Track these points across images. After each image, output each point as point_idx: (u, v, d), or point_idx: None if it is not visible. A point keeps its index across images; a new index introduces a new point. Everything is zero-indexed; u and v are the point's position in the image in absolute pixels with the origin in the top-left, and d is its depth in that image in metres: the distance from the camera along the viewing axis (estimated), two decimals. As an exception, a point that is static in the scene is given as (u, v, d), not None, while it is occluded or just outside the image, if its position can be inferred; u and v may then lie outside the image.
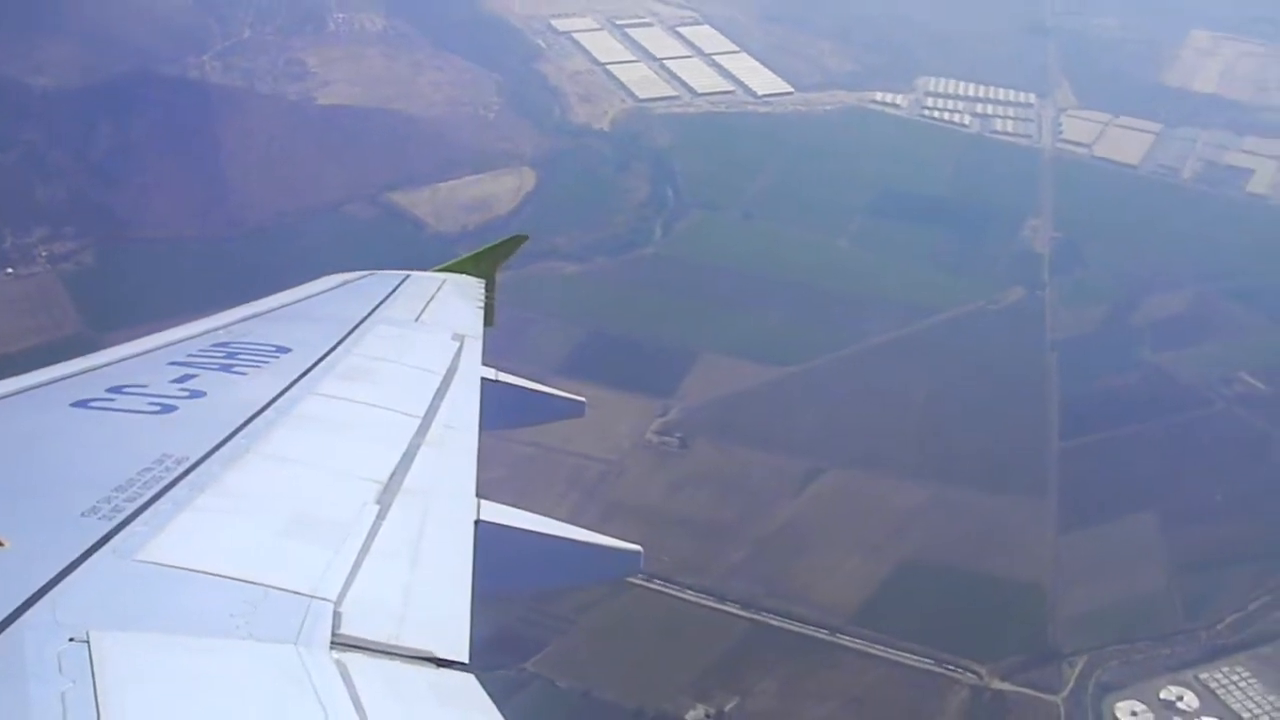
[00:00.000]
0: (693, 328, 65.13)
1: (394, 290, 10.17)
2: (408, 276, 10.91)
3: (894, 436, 58.17)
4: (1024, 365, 64.94)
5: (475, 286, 11.16)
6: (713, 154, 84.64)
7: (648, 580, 48.44)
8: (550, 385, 9.52)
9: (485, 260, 11.91)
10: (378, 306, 9.35)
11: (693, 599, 48.56)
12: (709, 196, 79.15)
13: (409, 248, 66.53)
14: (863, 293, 70.36)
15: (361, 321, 8.64)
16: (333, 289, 10.14)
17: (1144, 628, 49.07)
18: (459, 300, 10.45)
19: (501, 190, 77.06)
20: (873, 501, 54.20)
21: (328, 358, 7.38)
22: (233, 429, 5.60)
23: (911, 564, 50.93)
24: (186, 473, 4.93)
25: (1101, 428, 60.37)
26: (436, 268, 11.63)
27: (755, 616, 48.11)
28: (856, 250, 75.19)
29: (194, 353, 7.03)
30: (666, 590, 48.56)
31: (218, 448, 5.30)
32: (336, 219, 72.32)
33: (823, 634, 47.61)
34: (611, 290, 68.68)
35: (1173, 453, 59.00)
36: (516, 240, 12.79)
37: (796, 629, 47.65)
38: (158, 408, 5.75)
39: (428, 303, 9.95)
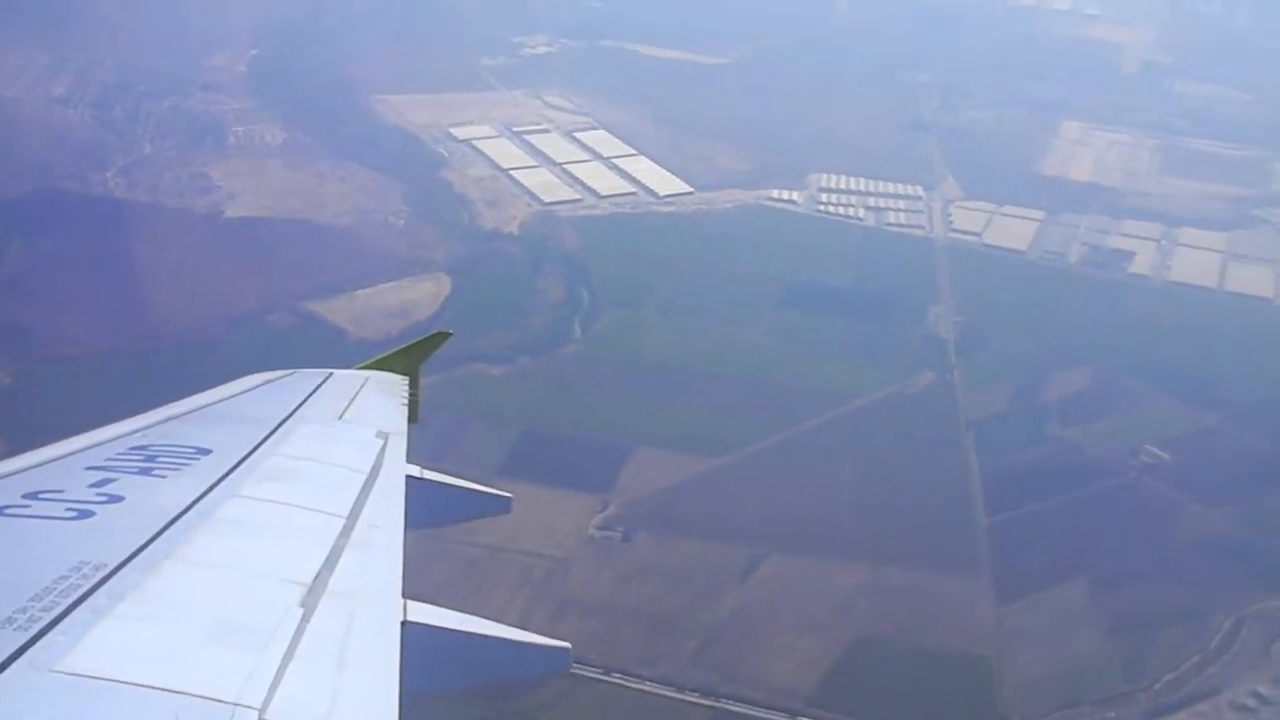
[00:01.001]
0: (623, 423, 66.57)
1: (316, 389, 10.12)
2: (330, 375, 10.89)
3: (829, 520, 60.16)
4: (943, 445, 67.70)
5: (399, 383, 11.19)
6: (622, 254, 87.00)
7: (606, 674, 49.26)
8: (487, 485, 9.81)
9: (408, 357, 11.94)
10: (300, 405, 9.32)
11: (652, 690, 49.36)
12: (624, 295, 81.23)
13: (332, 355, 66.45)
14: (782, 383, 72.67)
15: (284, 421, 8.63)
16: (254, 388, 10.05)
17: (1087, 691, 51.31)
18: (382, 397, 10.45)
19: (419, 296, 78.12)
20: (816, 584, 55.86)
21: (249, 459, 7.35)
22: (152, 534, 5.55)
23: (861, 643, 52.58)
24: (105, 580, 4.84)
25: (1024, 502, 63.17)
26: (359, 365, 11.80)
27: (715, 704, 49.07)
28: (771, 342, 77.72)
29: (112, 456, 6.92)
30: (626, 683, 49.31)
31: (137, 553, 5.24)
32: (256, 330, 72.50)
33: (782, 717, 48.75)
34: (539, 390, 69.90)
35: (1093, 522, 62.00)
36: (439, 337, 12.66)
37: (757, 714, 48.72)
38: (75, 514, 5.68)
39: (351, 400, 9.92)
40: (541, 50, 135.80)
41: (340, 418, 9.36)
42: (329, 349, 69.55)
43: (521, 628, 6.28)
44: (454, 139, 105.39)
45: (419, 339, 12.44)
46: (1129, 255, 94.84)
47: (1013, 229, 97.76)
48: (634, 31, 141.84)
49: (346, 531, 6.32)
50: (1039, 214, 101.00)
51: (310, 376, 10.68)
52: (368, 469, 7.81)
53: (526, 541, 56.07)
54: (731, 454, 65.08)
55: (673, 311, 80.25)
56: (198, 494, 6.33)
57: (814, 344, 77.86)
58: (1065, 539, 60.61)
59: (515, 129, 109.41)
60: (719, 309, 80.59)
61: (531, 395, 69.39)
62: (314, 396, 9.81)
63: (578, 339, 75.99)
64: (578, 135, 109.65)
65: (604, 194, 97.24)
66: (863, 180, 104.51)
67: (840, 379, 73.50)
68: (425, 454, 9.01)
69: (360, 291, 77.84)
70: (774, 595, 55.18)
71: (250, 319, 73.72)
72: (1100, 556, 59.69)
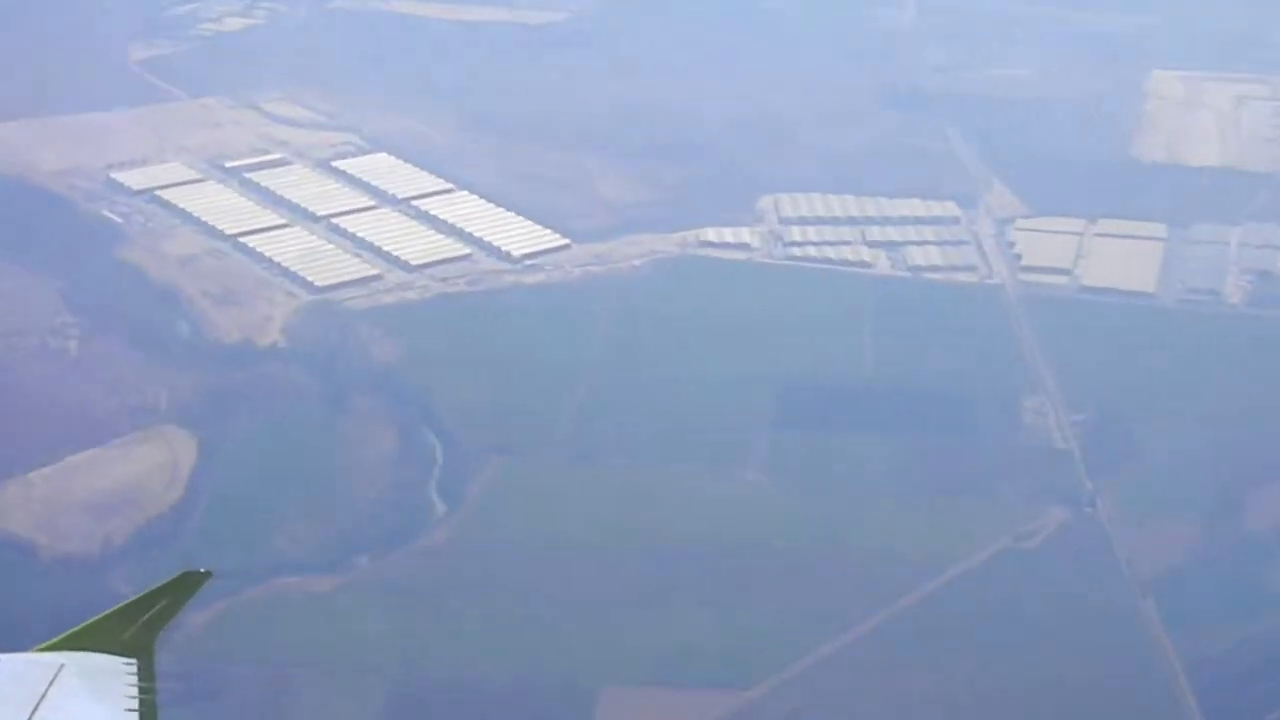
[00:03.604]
0: (568, 651, 69.24)
1: None
2: None
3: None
4: (1112, 626, 72.15)
5: (118, 673, 11.27)
6: (476, 362, 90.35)
7: None
8: None
9: (131, 622, 11.88)
10: None
11: None
12: (502, 434, 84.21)
13: (16, 594, 68.65)
14: (815, 551, 76.38)
15: None
16: None
17: None
18: (90, 701, 10.56)
19: (146, 469, 79.79)
20: None
21: None
22: None
23: None
24: None
25: (1264, 707, 67.89)
26: (44, 645, 11.84)
27: None
28: (777, 484, 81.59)
29: None
30: None
31: None
32: None
33: None
34: (401, 610, 71.99)
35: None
36: (187, 582, 12.58)
37: None
38: None
39: (33, 711, 10.06)
40: (233, 24, 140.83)
41: None
42: (7, 585, 70.64)
43: None
44: (124, 190, 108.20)
45: (148, 591, 12.43)
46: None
47: (1124, 258, 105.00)
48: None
49: None
50: (1158, 229, 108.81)
51: None
52: None
53: None
54: (771, 679, 68.24)
55: (596, 453, 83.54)
56: None
57: (850, 483, 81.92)
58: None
59: (229, 164, 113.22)
60: (674, 441, 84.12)
61: (389, 622, 71.41)
62: None
63: (442, 517, 78.62)
64: (341, 166, 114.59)
65: (417, 263, 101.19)
66: (853, 200, 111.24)
67: (909, 539, 77.48)
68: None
69: (36, 473, 79.09)
70: None
71: None
72: None
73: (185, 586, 12.19)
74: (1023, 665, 69.54)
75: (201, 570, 12.55)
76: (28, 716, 9.51)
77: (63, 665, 10.68)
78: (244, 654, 65.66)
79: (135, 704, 10.25)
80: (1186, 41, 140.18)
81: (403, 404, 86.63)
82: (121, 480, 79.48)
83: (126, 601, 11.89)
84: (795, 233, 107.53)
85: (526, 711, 66.51)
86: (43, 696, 9.89)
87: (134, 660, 11.23)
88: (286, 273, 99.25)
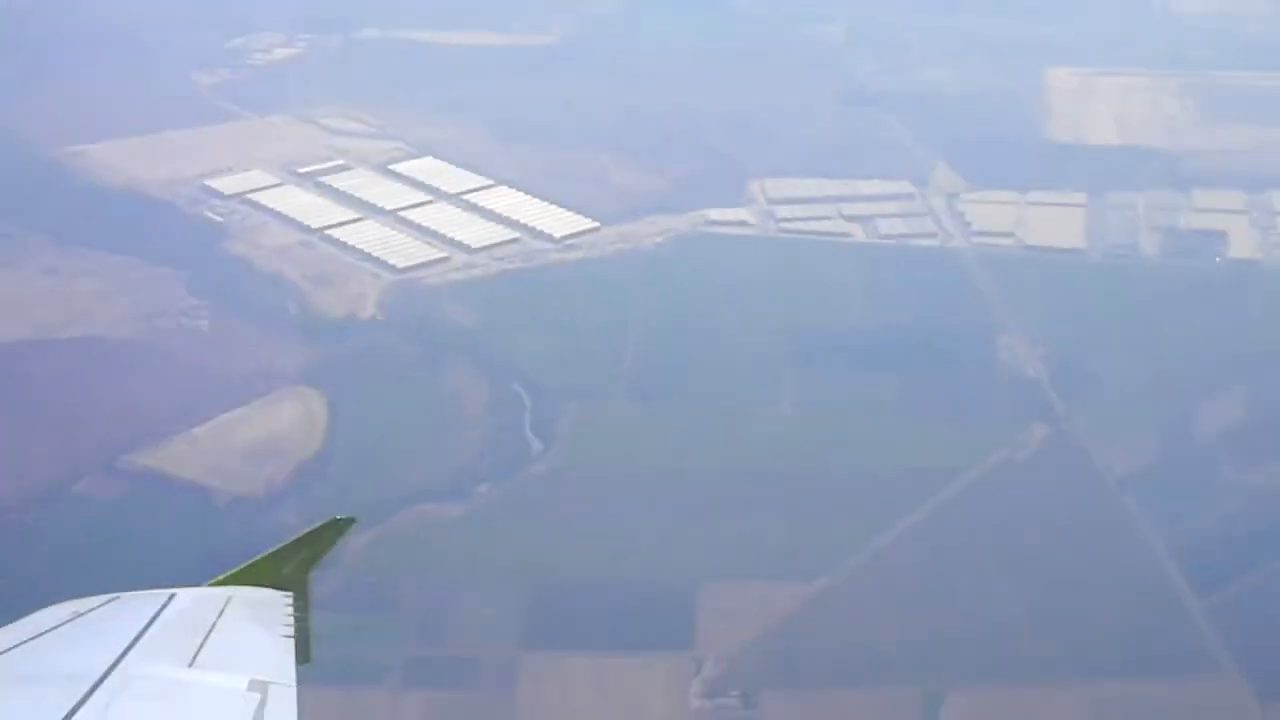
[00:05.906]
0: (665, 556, 72.00)
1: (153, 620, 10.21)
2: (171, 596, 10.99)
3: (1002, 634, 67.21)
4: (1100, 517, 75.83)
5: (277, 605, 11.39)
6: (542, 325, 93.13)
7: None
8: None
9: (287, 562, 12.07)
10: (129, 648, 9.38)
11: None
12: (574, 383, 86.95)
13: (197, 531, 70.90)
14: (849, 469, 79.51)
15: (105, 676, 8.68)
16: (58, 628, 9.96)
17: None
18: (254, 627, 10.62)
19: (286, 423, 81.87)
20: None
21: None
22: None
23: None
24: None
25: (1237, 571, 71.48)
26: (215, 580, 12.00)
27: None
28: (809, 417, 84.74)
29: None
30: None
31: None
32: (67, 509, 74.31)
33: None
34: (524, 528, 74.47)
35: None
36: (334, 527, 12.79)
37: None
38: None
39: (206, 635, 10.07)
40: (280, 54, 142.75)
41: (192, 664, 9.47)
42: (193, 522, 72.67)
43: None
44: (218, 194, 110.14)
45: (298, 535, 12.57)
46: (1219, 236, 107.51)
47: (1054, 222, 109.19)
48: (399, 15, 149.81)
49: None
50: (1079, 197, 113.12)
51: (141, 602, 10.78)
52: None
53: (619, 730, 61.26)
54: (830, 572, 71.34)
55: (654, 395, 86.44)
56: None
57: (868, 409, 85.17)
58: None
59: (301, 170, 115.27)
60: (716, 383, 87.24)
61: (517, 537, 73.87)
62: (150, 634, 9.87)
63: (541, 452, 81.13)
64: (397, 169, 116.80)
65: (476, 246, 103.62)
66: (826, 182, 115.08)
67: (924, 452, 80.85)
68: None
69: (198, 429, 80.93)
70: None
71: (53, 494, 75.44)
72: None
73: (333, 531, 12.38)
74: (1032, 542, 73.33)
75: (342, 517, 12.73)
76: (203, 639, 9.75)
77: (230, 597, 11.00)
78: (405, 568, 68.30)
79: (291, 630, 10.60)
80: (1068, 42, 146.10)
81: (489, 361, 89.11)
82: (270, 432, 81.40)
83: (282, 544, 12.12)
84: (784, 211, 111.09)
85: (646, 602, 68.90)
86: (215, 622, 10.21)
87: (290, 593, 11.51)
88: (369, 258, 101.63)
